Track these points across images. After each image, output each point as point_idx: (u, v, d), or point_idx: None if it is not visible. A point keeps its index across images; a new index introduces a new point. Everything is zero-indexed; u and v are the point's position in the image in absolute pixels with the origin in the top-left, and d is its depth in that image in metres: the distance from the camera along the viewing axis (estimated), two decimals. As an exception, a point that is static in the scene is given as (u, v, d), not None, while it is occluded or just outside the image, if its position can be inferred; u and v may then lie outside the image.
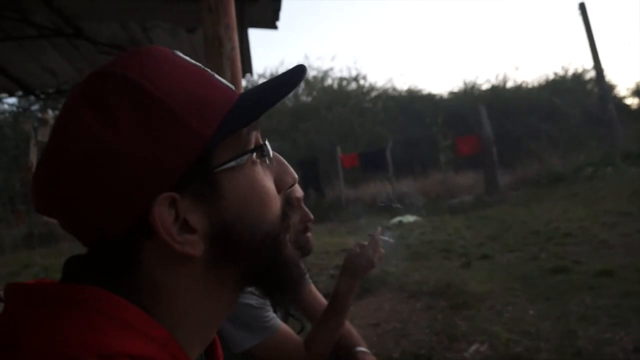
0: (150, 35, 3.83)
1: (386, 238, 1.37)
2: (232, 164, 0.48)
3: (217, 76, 0.52)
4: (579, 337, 2.97)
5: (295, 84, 0.51)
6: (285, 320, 1.45)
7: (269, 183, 0.52)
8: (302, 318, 1.53)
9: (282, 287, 0.53)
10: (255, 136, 0.52)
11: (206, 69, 0.52)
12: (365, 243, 1.32)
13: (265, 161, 0.53)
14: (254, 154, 0.50)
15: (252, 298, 1.24)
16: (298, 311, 1.54)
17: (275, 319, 1.27)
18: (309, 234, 1.37)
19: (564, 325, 3.21)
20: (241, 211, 0.48)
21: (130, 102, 0.44)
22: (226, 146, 0.48)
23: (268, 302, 1.29)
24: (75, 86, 0.48)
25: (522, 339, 3.07)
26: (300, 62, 0.56)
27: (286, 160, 0.57)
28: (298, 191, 1.37)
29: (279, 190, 0.53)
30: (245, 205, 0.49)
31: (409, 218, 9.76)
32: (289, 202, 0.55)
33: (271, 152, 0.54)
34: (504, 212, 9.10)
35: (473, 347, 3.06)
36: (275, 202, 0.52)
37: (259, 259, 0.50)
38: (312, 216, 1.37)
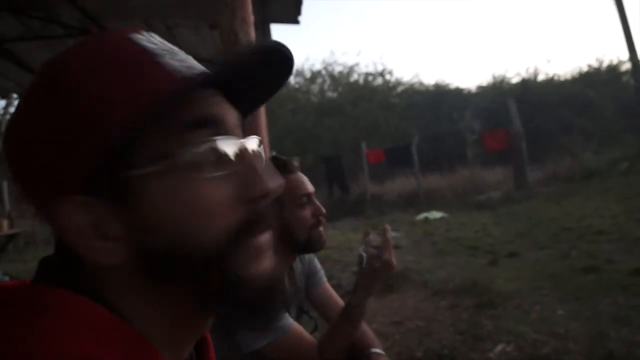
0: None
1: (395, 234, 1.33)
2: (153, 168, 0.41)
3: (171, 61, 0.45)
4: (610, 339, 2.87)
5: (231, 69, 0.45)
6: (298, 319, 1.43)
7: (209, 194, 0.43)
8: (315, 316, 1.51)
9: (247, 312, 0.47)
10: (203, 136, 0.43)
11: (157, 53, 0.45)
12: (373, 240, 1.28)
13: (218, 164, 0.44)
14: (197, 156, 0.42)
15: None
16: (312, 309, 1.52)
17: (286, 318, 1.25)
18: (321, 229, 1.35)
19: (595, 326, 3.10)
20: (165, 226, 0.42)
21: (43, 94, 0.43)
22: (152, 144, 0.42)
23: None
24: None
25: (550, 339, 2.98)
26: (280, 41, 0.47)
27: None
28: (308, 186, 1.34)
29: (243, 201, 0.44)
30: (171, 219, 0.42)
31: (435, 214, 9.66)
32: (258, 214, 0.45)
33: (231, 154, 0.45)
34: (533, 209, 8.90)
35: (498, 348, 2.98)
36: (221, 218, 0.43)
37: (204, 281, 0.43)
38: (324, 210, 1.34)
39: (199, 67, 0.48)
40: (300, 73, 21.24)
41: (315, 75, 21.35)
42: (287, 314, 1.28)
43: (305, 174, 1.37)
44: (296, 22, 3.65)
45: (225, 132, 0.45)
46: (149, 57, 0.44)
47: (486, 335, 3.16)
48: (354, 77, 21.48)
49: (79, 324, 0.40)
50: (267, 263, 0.47)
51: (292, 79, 20.94)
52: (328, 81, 21.46)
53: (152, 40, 0.47)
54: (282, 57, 0.48)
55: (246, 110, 0.53)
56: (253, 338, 1.21)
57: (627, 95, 15.88)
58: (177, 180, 0.42)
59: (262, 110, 2.27)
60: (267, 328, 1.21)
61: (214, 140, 0.44)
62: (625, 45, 9.82)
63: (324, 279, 1.49)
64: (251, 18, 1.92)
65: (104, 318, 0.41)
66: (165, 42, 0.48)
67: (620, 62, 18.41)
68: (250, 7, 1.92)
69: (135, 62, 0.44)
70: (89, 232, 0.42)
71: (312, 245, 1.30)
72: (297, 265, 1.49)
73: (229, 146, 0.45)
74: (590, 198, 8.70)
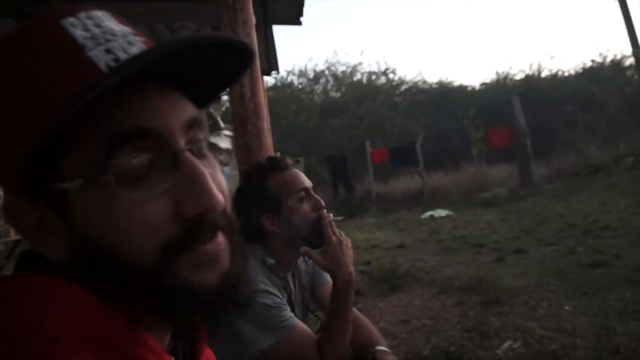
0: (176, 36, 3.89)
1: (338, 218, 1.32)
2: (79, 181, 0.41)
3: (98, 56, 0.42)
4: (617, 334, 2.86)
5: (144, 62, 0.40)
6: (304, 318, 1.44)
7: (135, 212, 0.41)
8: (321, 316, 1.51)
9: (174, 318, 0.45)
10: (125, 146, 0.41)
11: (87, 43, 0.42)
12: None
13: (146, 180, 0.42)
14: (113, 171, 0.40)
15: (268, 297, 1.23)
16: (318, 309, 1.53)
17: (292, 318, 1.25)
18: (327, 222, 1.33)
19: (602, 321, 3.09)
20: (95, 236, 0.42)
21: None
22: (80, 154, 0.41)
23: (285, 301, 1.28)
24: None
25: (558, 335, 2.97)
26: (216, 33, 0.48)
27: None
28: (305, 181, 1.34)
29: (178, 218, 0.42)
30: (98, 231, 0.42)
31: (441, 212, 9.64)
32: (197, 229, 0.43)
33: (163, 168, 0.42)
34: (539, 205, 8.86)
35: (506, 344, 2.98)
36: (148, 235, 0.41)
37: (135, 290, 0.43)
38: (323, 203, 1.33)
39: (136, 52, 0.43)
40: (303, 73, 21.25)
41: (318, 75, 21.34)
42: (292, 314, 1.28)
43: (310, 175, 1.37)
44: (298, 23, 3.66)
45: (160, 141, 0.43)
46: (74, 50, 0.42)
47: (493, 332, 3.16)
48: (357, 76, 21.46)
49: (66, 305, 0.41)
50: (212, 272, 0.44)
51: (295, 80, 20.94)
52: (331, 81, 21.44)
53: (86, 26, 0.43)
54: (231, 45, 0.45)
55: (202, 101, 0.51)
56: (258, 338, 1.21)
57: (631, 89, 15.79)
58: (102, 195, 0.41)
59: (265, 112, 2.28)
60: (273, 328, 1.21)
61: (140, 156, 0.41)
62: (628, 40, 9.76)
63: (329, 278, 1.50)
64: (253, 20, 1.93)
65: (86, 297, 0.42)
66: (106, 26, 0.44)
67: (624, 57, 18.31)
68: (251, 9, 1.93)
69: (55, 57, 0.41)
70: (36, 227, 0.43)
71: (314, 240, 1.28)
72: (302, 264, 1.49)
73: (160, 160, 0.43)
74: (596, 194, 8.66)
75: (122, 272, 0.42)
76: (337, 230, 1.27)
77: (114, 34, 0.44)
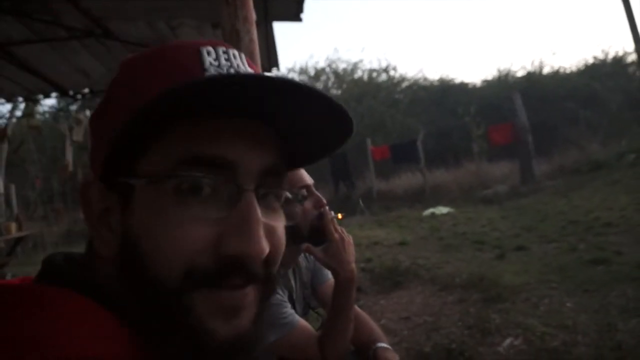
0: (177, 32, 3.88)
1: (338, 216, 1.31)
2: (141, 180, 0.42)
3: (185, 64, 0.45)
4: (619, 331, 2.85)
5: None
6: (305, 315, 1.43)
7: (185, 228, 0.41)
8: (322, 313, 1.51)
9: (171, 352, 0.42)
10: (192, 169, 0.41)
11: (206, 70, 0.45)
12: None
13: (205, 203, 0.42)
14: (178, 183, 0.41)
15: None
16: (318, 306, 1.52)
17: (293, 315, 1.24)
18: (328, 219, 1.33)
19: (603, 318, 3.08)
20: (139, 239, 0.42)
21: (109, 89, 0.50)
22: (154, 160, 0.42)
23: (286, 298, 1.28)
24: None
25: (559, 332, 2.97)
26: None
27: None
28: (306, 178, 1.33)
29: (220, 249, 0.42)
30: (146, 234, 0.42)
31: (442, 209, 9.63)
32: (230, 268, 0.42)
33: (224, 200, 0.43)
34: (540, 202, 8.85)
35: (507, 341, 2.98)
36: (180, 252, 0.41)
37: (151, 309, 0.42)
38: (324, 201, 1.32)
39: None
40: (304, 71, 21.25)
41: (319, 72, 21.33)
42: (293, 311, 1.28)
43: (311, 172, 1.36)
44: (298, 19, 3.64)
45: (232, 173, 0.43)
46: (195, 67, 0.45)
47: (494, 329, 3.15)
48: (358, 73, 21.44)
49: (77, 323, 0.39)
50: (228, 324, 0.43)
51: (296, 77, 20.93)
52: (332, 78, 21.43)
53: (218, 57, 0.47)
54: (338, 111, 0.45)
55: (299, 160, 0.53)
56: None
57: (633, 86, 15.74)
58: (157, 200, 0.42)
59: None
60: (274, 325, 1.21)
61: (207, 178, 0.42)
62: (630, 37, 9.71)
63: (330, 275, 1.49)
64: (253, 16, 1.92)
65: (103, 318, 0.41)
66: (234, 62, 0.47)
67: (626, 54, 18.26)
68: (251, 5, 1.92)
69: (177, 67, 0.45)
70: (100, 216, 0.45)
71: (316, 237, 1.28)
72: (303, 261, 1.48)
73: (224, 190, 0.43)
74: (597, 190, 8.65)
75: (145, 283, 0.41)
76: (339, 228, 1.26)
77: (237, 70, 0.47)
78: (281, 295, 1.26)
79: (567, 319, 3.14)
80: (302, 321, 1.27)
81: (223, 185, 0.43)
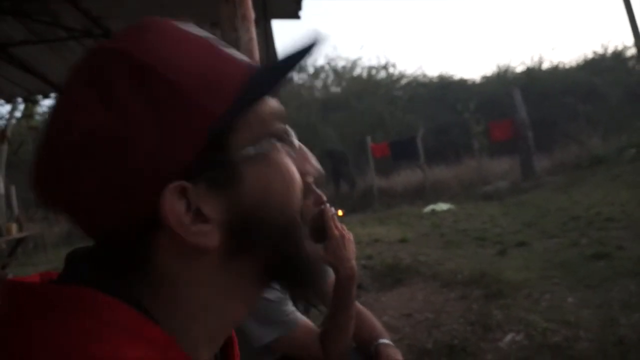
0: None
1: (339, 212, 1.30)
2: (251, 149, 0.44)
3: (228, 49, 0.47)
4: (621, 325, 2.86)
5: (310, 51, 0.47)
6: (307, 312, 1.44)
7: (294, 168, 0.48)
8: (324, 311, 1.51)
9: (303, 283, 0.50)
10: (279, 123, 0.48)
11: (215, 40, 0.47)
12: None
13: (289, 148, 0.49)
14: (278, 140, 0.47)
15: (270, 292, 1.22)
16: (320, 303, 1.52)
17: (294, 313, 1.25)
18: (329, 216, 1.33)
19: (605, 313, 3.08)
20: (263, 198, 0.45)
21: (133, 82, 0.40)
22: (245, 128, 0.44)
23: (287, 296, 1.28)
24: (74, 65, 0.44)
25: (561, 328, 2.97)
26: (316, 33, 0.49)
27: (316, 152, 0.55)
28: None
29: (302, 179, 0.50)
30: (268, 191, 0.45)
31: (442, 206, 9.64)
32: (305, 194, 0.50)
33: (295, 140, 0.50)
34: (541, 198, 8.85)
35: (508, 337, 2.98)
36: (300, 189, 0.48)
37: (279, 250, 0.46)
38: (325, 197, 1.32)
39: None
40: (303, 69, 21.22)
41: (318, 70, 21.33)
42: (295, 309, 1.28)
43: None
44: (297, 17, 3.65)
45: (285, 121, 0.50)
46: (217, 43, 0.47)
47: (496, 325, 3.16)
48: (358, 71, 21.45)
49: (109, 326, 0.38)
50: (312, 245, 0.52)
51: (295, 76, 20.91)
52: (331, 76, 21.44)
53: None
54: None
55: None
56: (261, 333, 1.21)
57: (633, 81, 15.73)
58: (272, 158, 0.46)
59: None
60: (276, 322, 1.21)
61: (287, 128, 0.49)
62: (630, 31, 9.70)
63: (331, 273, 1.49)
64: (252, 14, 1.92)
65: (143, 324, 0.40)
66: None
67: (625, 48, 18.24)
68: (250, 3, 1.92)
69: (216, 46, 0.46)
70: (188, 217, 0.41)
71: (316, 235, 1.28)
72: None
73: (288, 136, 0.50)
74: (598, 186, 8.65)
75: (280, 231, 0.46)
76: (339, 225, 1.26)
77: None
78: (282, 293, 1.26)
79: (569, 315, 3.14)
80: (303, 319, 1.27)
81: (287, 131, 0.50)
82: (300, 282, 0.50)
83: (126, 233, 0.42)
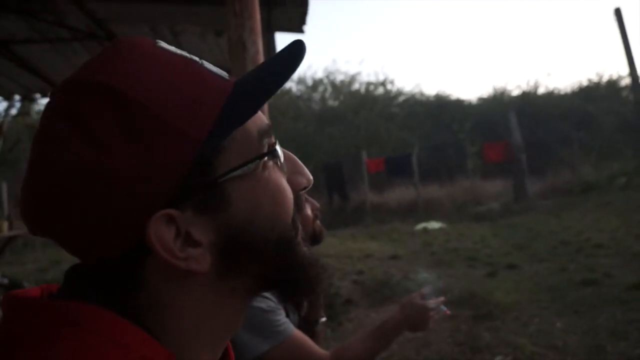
0: (179, 39, 3.90)
1: (444, 308, 1.46)
2: (239, 172, 0.44)
3: (207, 65, 0.46)
4: (607, 353, 2.88)
5: (295, 65, 0.46)
6: (299, 324, 1.44)
7: (284, 182, 0.48)
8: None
9: (301, 289, 0.50)
10: (265, 138, 0.47)
11: (193, 58, 0.46)
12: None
13: (277, 162, 0.48)
14: (265, 156, 0.46)
15: (262, 301, 1.22)
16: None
17: (287, 323, 1.25)
18: (318, 222, 1.40)
19: (593, 339, 3.10)
20: (252, 216, 0.45)
21: (109, 112, 0.40)
22: (230, 149, 0.44)
23: (280, 306, 1.28)
24: (49, 99, 0.44)
25: (548, 352, 2.99)
26: (298, 38, 0.49)
27: (311, 164, 0.54)
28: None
29: (293, 191, 0.50)
30: (257, 209, 0.45)
31: (434, 224, 9.66)
32: (298, 204, 0.51)
33: (282, 154, 0.49)
34: (532, 221, 8.90)
35: (497, 359, 2.98)
36: (290, 201, 0.48)
37: (272, 263, 0.46)
38: (318, 204, 1.40)
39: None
40: (302, 81, 21.28)
41: (317, 83, 21.38)
42: (288, 320, 1.28)
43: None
44: (301, 31, 3.68)
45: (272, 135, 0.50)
46: (196, 62, 0.46)
47: (484, 346, 3.16)
48: (356, 86, 21.50)
49: (111, 342, 0.39)
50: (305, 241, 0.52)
51: (294, 87, 20.98)
52: (330, 89, 21.49)
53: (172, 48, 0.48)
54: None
55: None
56: (255, 343, 1.21)
57: (626, 110, 15.96)
58: (258, 178, 0.46)
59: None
60: (269, 333, 1.21)
61: (275, 144, 0.49)
62: (625, 61, 9.87)
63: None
64: (259, 28, 1.94)
65: (144, 341, 0.40)
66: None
67: (620, 77, 18.52)
68: (258, 17, 1.94)
69: (195, 66, 0.45)
70: (178, 243, 0.42)
71: (315, 238, 1.37)
72: None
73: (274, 147, 0.49)
74: (589, 212, 8.72)
75: (272, 246, 0.46)
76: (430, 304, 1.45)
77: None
78: (274, 303, 1.26)
79: (557, 340, 3.16)
80: (297, 330, 1.27)
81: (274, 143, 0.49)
82: (297, 290, 0.50)
83: (117, 259, 0.42)
